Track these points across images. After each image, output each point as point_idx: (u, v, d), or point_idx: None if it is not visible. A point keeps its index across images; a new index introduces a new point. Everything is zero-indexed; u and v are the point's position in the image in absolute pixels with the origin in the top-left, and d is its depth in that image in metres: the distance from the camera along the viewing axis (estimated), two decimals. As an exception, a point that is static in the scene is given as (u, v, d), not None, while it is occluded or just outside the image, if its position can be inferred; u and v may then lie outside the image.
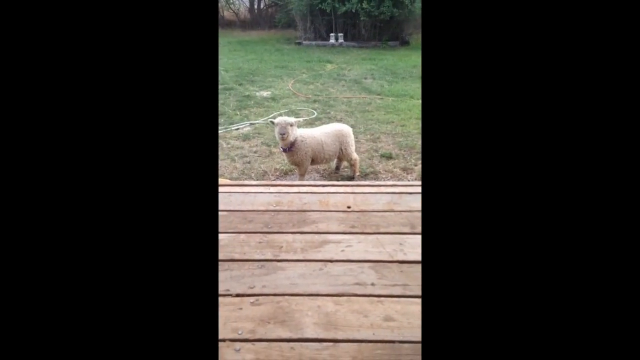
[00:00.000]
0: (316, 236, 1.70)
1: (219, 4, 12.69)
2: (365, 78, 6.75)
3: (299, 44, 10.28)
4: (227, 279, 1.43)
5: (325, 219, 1.84)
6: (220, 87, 5.98)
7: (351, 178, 3.24)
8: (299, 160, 3.02)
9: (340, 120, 4.44)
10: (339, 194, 2.07)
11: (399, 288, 1.38)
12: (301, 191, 2.12)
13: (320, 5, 9.85)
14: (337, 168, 3.39)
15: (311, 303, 1.31)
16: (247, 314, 1.27)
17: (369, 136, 4.08)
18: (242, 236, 1.70)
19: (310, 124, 4.43)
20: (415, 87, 5.99)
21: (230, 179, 3.19)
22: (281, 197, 2.04)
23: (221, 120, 4.58)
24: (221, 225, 1.77)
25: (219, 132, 4.17)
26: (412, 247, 1.61)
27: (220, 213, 1.88)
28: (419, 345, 1.14)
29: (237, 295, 1.35)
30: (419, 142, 3.81)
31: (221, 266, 1.49)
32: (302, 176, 3.12)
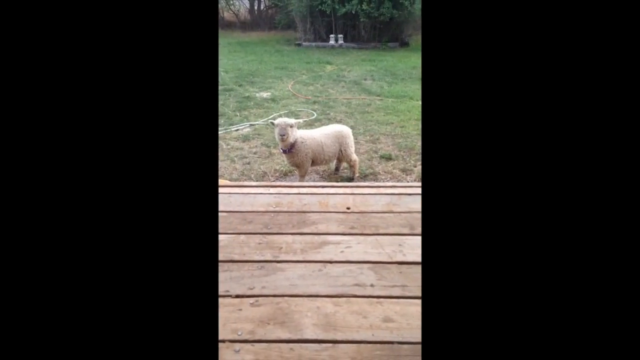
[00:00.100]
0: (316, 237, 1.70)
1: (219, 5, 12.71)
2: (365, 79, 6.75)
3: (299, 45, 10.29)
4: (227, 280, 1.43)
5: (324, 220, 1.84)
6: (220, 88, 5.98)
7: (351, 179, 3.24)
8: (299, 162, 3.02)
9: (339, 122, 4.45)
10: (339, 195, 2.07)
11: (398, 289, 1.38)
12: (301, 192, 2.12)
13: (320, 7, 9.87)
14: (337, 169, 3.39)
15: (310, 304, 1.31)
16: (246, 315, 1.27)
17: (368, 137, 4.08)
18: (242, 237, 1.70)
19: (310, 125, 4.43)
20: (414, 89, 6.00)
21: (230, 179, 3.19)
22: (281, 198, 2.04)
23: (221, 121, 4.58)
24: (221, 226, 1.77)
25: (219, 133, 4.17)
26: (411, 248, 1.61)
27: (220, 214, 1.88)
28: (418, 346, 1.14)
29: (237, 296, 1.35)
30: (419, 144, 3.81)
31: (221, 267, 1.49)
32: (302, 177, 3.12)
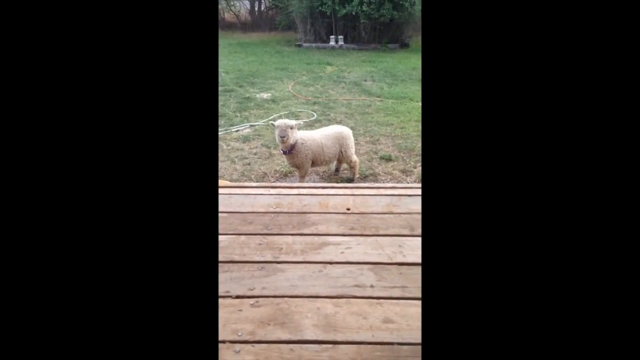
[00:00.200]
0: (316, 238, 1.70)
1: (220, 6, 12.72)
2: (365, 80, 6.75)
3: (299, 46, 10.30)
4: (227, 281, 1.43)
5: (324, 220, 1.84)
6: (220, 88, 5.99)
7: (351, 180, 3.24)
8: (299, 163, 3.02)
9: (340, 123, 4.44)
10: (339, 196, 2.08)
11: (398, 290, 1.38)
12: (301, 193, 2.12)
13: (320, 8, 9.87)
14: (337, 170, 3.39)
15: (311, 305, 1.31)
16: (246, 316, 1.27)
17: (368, 138, 4.08)
18: (242, 238, 1.70)
19: (310, 125, 4.44)
20: (414, 90, 6.00)
21: (230, 180, 3.20)
22: (281, 199, 2.04)
23: (221, 122, 4.59)
24: (221, 227, 1.77)
25: (219, 133, 4.18)
26: (411, 249, 1.61)
27: (220, 215, 1.88)
28: (418, 347, 1.14)
29: (237, 297, 1.35)
30: (419, 145, 3.82)
31: (221, 268, 1.49)
32: (302, 178, 3.12)
